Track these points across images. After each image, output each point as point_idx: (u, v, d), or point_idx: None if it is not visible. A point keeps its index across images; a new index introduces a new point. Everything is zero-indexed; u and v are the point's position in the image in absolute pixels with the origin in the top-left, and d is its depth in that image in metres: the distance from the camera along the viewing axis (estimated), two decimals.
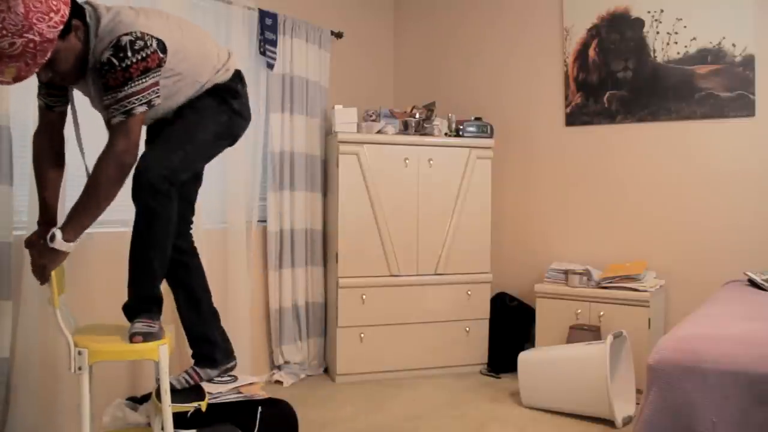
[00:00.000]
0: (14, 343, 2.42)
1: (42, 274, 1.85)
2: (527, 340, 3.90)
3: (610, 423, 2.95)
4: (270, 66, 3.59)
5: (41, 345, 2.48)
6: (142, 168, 1.94)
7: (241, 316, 3.39)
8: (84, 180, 1.90)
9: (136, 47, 1.81)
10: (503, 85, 4.22)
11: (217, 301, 2.41)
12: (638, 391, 3.06)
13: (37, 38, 1.63)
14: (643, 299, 3.27)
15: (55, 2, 1.66)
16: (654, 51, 3.59)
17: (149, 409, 2.33)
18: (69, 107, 2.05)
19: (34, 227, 2.03)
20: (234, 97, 2.20)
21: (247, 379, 2.62)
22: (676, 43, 3.52)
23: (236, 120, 2.24)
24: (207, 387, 2.33)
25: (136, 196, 1.95)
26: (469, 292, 3.89)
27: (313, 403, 3.27)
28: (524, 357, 3.28)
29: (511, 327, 3.91)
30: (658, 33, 3.57)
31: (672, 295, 3.54)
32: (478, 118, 3.96)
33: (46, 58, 1.69)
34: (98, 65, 1.83)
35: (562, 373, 3.11)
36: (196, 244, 2.38)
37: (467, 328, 3.89)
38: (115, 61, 1.80)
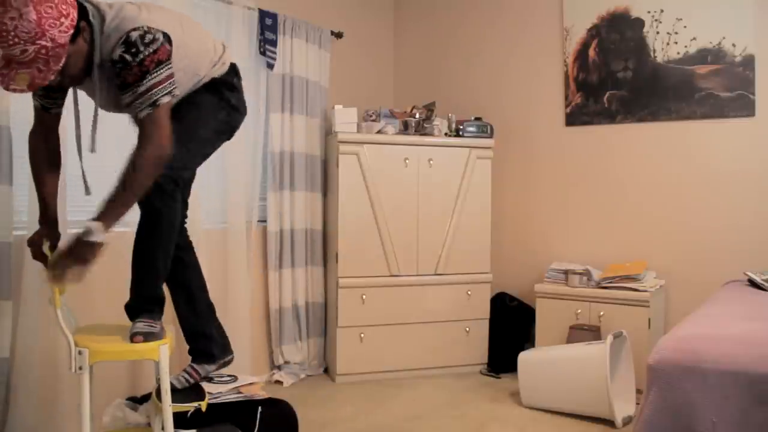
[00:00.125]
0: (14, 343, 2.41)
1: (82, 273, 1.82)
2: (527, 340, 3.90)
3: (610, 423, 2.95)
4: (270, 66, 3.59)
5: (41, 345, 2.48)
6: None
7: (241, 316, 3.39)
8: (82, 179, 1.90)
9: (146, 40, 1.80)
10: (503, 85, 4.22)
11: (217, 301, 2.41)
12: (638, 391, 3.06)
13: (49, 44, 1.62)
14: (643, 299, 3.27)
15: (64, 6, 1.65)
16: (654, 51, 3.60)
17: (149, 409, 2.32)
18: (73, 108, 2.05)
19: (34, 227, 2.03)
20: (231, 90, 2.21)
21: (247, 379, 2.62)
22: (676, 43, 3.52)
23: (234, 115, 2.26)
24: (207, 387, 2.33)
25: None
26: (469, 292, 3.89)
27: (313, 403, 3.27)
28: (524, 357, 3.28)
29: (511, 327, 3.91)
30: (658, 33, 3.57)
31: (672, 295, 3.55)
32: (478, 118, 3.96)
33: (61, 64, 1.68)
34: (108, 64, 1.82)
35: (562, 373, 3.11)
36: (196, 244, 2.38)
37: (467, 328, 3.89)
38: (128, 57, 1.79)
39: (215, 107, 2.16)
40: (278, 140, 3.67)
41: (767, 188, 3.31)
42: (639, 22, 3.64)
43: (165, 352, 1.95)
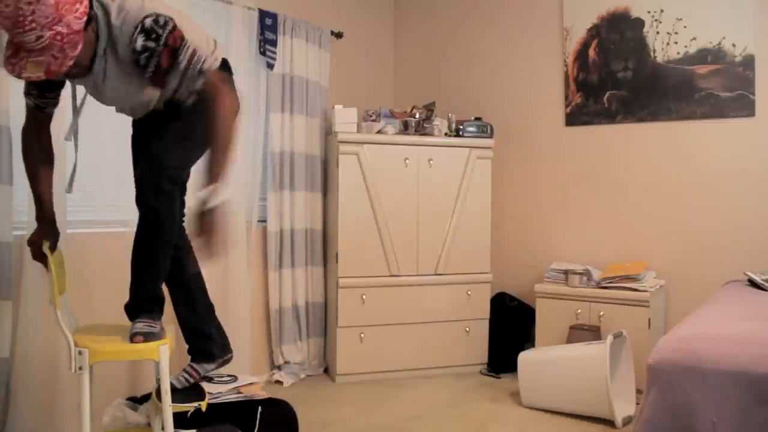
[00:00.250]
0: (14, 343, 2.42)
1: (225, 242, 1.82)
2: (527, 340, 3.90)
3: (610, 423, 2.95)
4: (270, 66, 3.59)
5: (41, 345, 2.48)
6: (144, 170, 1.94)
7: (241, 316, 3.39)
8: (80, 177, 1.88)
9: (161, 23, 1.81)
10: (503, 85, 4.22)
11: (217, 301, 2.41)
12: (638, 391, 3.06)
13: (64, 30, 1.61)
14: (643, 299, 3.27)
15: None
16: (654, 51, 3.59)
17: (149, 409, 2.32)
18: (71, 103, 2.04)
19: (34, 227, 2.03)
20: None
21: (247, 379, 2.62)
22: (676, 43, 3.52)
23: None
24: (207, 387, 2.34)
25: (140, 198, 1.95)
26: (469, 292, 3.89)
27: (313, 403, 3.27)
28: (524, 357, 3.28)
29: (511, 327, 3.91)
30: (658, 33, 3.57)
31: (672, 295, 3.54)
32: (478, 118, 3.96)
33: (77, 51, 1.66)
34: (128, 58, 1.82)
35: (562, 373, 3.11)
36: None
37: (467, 328, 3.89)
38: (151, 43, 1.80)
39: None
40: (278, 140, 3.67)
41: (767, 188, 3.31)
42: (639, 22, 3.64)
43: (165, 352, 1.95)
